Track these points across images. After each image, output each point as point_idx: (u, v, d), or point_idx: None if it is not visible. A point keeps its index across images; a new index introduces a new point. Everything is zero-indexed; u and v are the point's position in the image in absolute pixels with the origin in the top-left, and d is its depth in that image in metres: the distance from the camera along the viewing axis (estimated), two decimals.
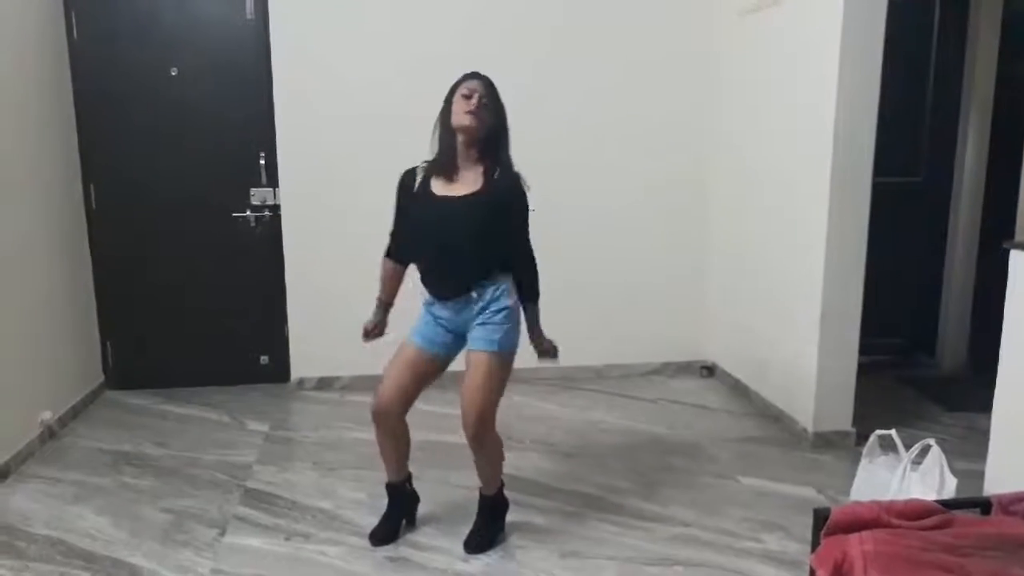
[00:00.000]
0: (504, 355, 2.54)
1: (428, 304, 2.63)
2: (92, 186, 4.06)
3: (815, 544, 1.91)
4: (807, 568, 1.94)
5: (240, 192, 4.13)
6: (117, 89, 3.98)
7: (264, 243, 4.16)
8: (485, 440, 2.56)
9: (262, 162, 4.09)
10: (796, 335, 3.59)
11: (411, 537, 2.77)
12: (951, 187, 4.47)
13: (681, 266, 4.45)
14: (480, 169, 2.50)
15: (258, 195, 4.13)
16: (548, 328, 4.31)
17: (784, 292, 3.71)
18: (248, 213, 4.15)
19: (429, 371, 2.62)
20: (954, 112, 4.40)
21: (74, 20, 3.90)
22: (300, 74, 4.01)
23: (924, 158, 4.49)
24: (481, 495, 2.74)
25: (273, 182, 4.12)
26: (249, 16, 3.99)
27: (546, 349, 2.74)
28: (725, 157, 4.24)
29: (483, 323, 2.53)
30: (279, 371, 4.32)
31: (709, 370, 4.50)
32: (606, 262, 4.38)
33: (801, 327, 3.54)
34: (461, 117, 2.45)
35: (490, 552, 2.67)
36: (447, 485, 3.08)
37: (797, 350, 3.58)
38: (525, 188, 2.57)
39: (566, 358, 4.34)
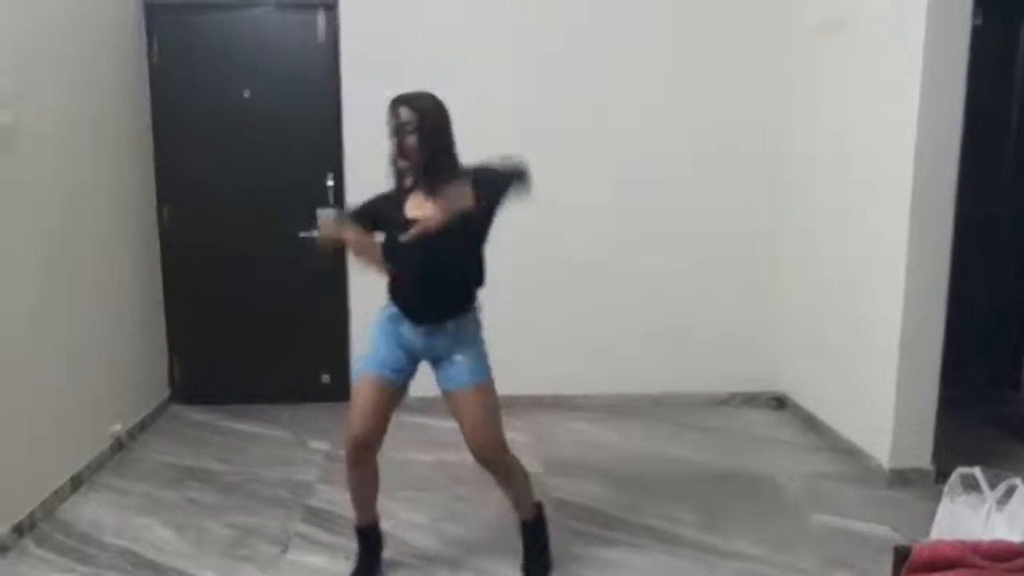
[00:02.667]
0: (490, 380, 2.53)
1: (394, 319, 2.51)
2: (165, 208, 4.24)
3: None
4: None
5: (307, 213, 4.23)
6: (193, 112, 4.17)
7: (329, 264, 4.26)
8: (505, 467, 2.58)
9: (330, 183, 4.21)
10: (873, 367, 3.51)
11: (473, 562, 2.78)
12: None
13: (751, 293, 4.40)
14: (444, 189, 2.38)
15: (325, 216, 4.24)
16: (604, 352, 4.33)
17: (861, 321, 3.64)
18: (315, 234, 4.25)
19: (393, 400, 2.56)
20: None
21: (155, 45, 4.11)
22: (368, 97, 4.08)
23: (1007, 186, 4.37)
24: (522, 523, 2.70)
25: (340, 203, 4.23)
26: (320, 40, 4.14)
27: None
28: (801, 179, 4.20)
29: (461, 357, 2.48)
30: (340, 390, 4.37)
31: (779, 402, 4.42)
32: (673, 287, 4.35)
33: (879, 359, 3.46)
34: (396, 160, 2.41)
35: None
36: (505, 510, 3.07)
37: (874, 382, 3.50)
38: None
39: (625, 385, 4.39)
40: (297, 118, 4.20)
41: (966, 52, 3.17)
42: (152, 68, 4.12)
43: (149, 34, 4.10)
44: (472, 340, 2.53)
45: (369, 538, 2.70)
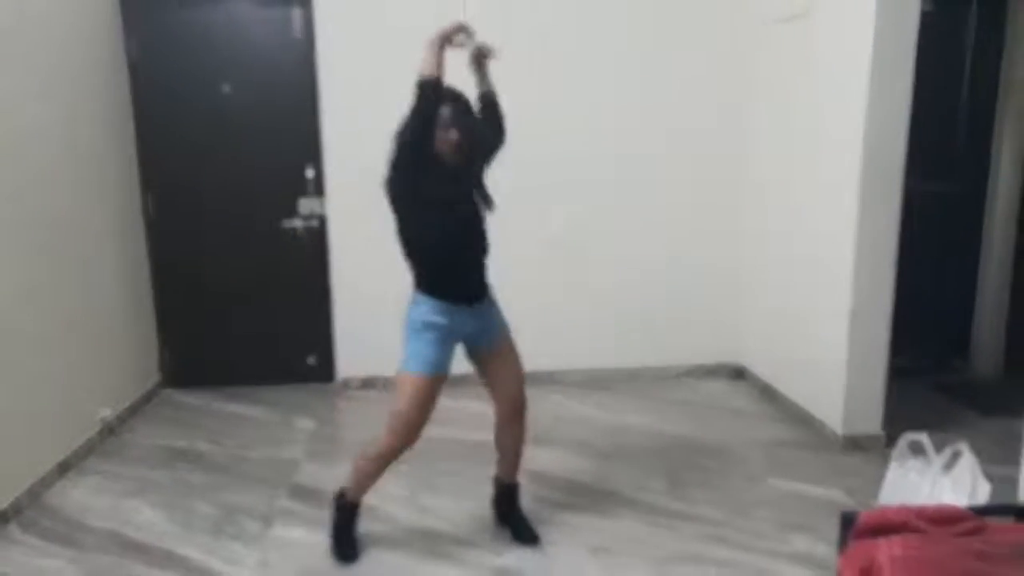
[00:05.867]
0: None
1: (440, 321, 2.42)
2: (150, 196, 4.13)
3: (843, 547, 1.84)
4: (835, 571, 1.87)
5: (289, 202, 4.17)
6: (174, 106, 4.05)
7: (311, 250, 4.20)
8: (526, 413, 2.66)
9: (309, 174, 4.12)
10: (825, 337, 3.49)
11: (449, 532, 2.76)
12: (986, 191, 4.32)
13: (713, 269, 4.37)
14: None
15: (306, 205, 4.17)
16: (577, 329, 4.31)
17: (814, 295, 3.62)
18: (296, 222, 4.18)
19: None
20: (989, 118, 4.25)
21: (133, 41, 3.97)
22: (345, 90, 4.04)
23: (958, 163, 4.35)
24: (511, 486, 2.73)
25: (320, 193, 4.15)
26: (296, 35, 4.03)
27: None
28: (756, 163, 4.16)
29: (493, 314, 2.58)
30: (325, 371, 4.35)
31: (739, 373, 4.40)
32: (638, 267, 4.32)
33: (830, 329, 3.44)
34: (443, 147, 2.44)
35: (522, 547, 2.65)
36: (484, 483, 3.04)
37: (826, 353, 3.48)
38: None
39: (597, 360, 4.36)
40: (276, 112, 4.09)
41: (914, 36, 3.13)
42: (131, 65, 4.00)
43: (127, 31, 3.96)
44: (492, 294, 2.61)
45: (356, 512, 2.68)
